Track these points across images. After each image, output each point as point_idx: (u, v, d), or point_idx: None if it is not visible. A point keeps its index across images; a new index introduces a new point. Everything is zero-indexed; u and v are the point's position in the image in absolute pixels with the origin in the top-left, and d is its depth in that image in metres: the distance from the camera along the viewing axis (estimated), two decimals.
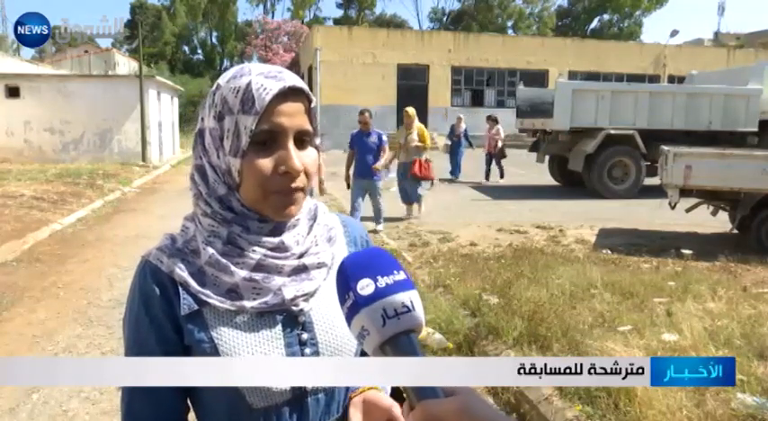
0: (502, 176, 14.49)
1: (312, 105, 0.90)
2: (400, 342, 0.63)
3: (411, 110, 8.81)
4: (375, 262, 0.67)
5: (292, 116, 0.85)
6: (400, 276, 0.65)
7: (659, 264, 6.22)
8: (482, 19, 50.68)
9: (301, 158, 0.86)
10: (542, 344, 3.63)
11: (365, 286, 0.64)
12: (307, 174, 0.88)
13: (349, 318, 0.65)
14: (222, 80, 0.89)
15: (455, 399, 0.59)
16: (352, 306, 0.64)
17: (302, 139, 0.88)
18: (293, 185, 0.86)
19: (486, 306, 4.30)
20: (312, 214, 0.98)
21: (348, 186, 7.93)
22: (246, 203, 0.89)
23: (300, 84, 0.87)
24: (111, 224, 9.37)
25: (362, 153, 7.69)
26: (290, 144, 0.85)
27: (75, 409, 3.24)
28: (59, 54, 37.25)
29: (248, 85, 0.84)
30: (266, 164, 0.85)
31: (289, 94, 0.85)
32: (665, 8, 73.29)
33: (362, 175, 7.70)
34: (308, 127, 0.88)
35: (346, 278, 0.66)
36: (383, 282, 0.64)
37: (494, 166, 14.52)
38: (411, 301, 0.64)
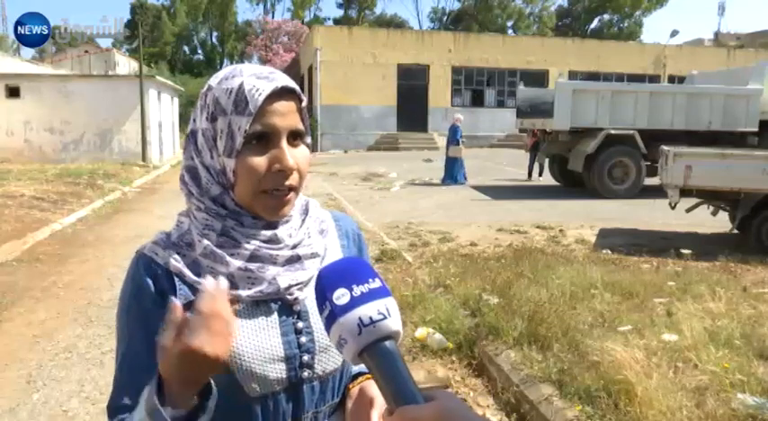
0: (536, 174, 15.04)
1: (303, 105, 0.92)
2: (378, 349, 0.64)
3: None
4: (350, 271, 0.68)
5: (285, 116, 0.87)
6: (375, 284, 0.66)
7: (659, 264, 6.21)
8: (482, 19, 50.70)
9: (294, 157, 0.88)
10: (542, 344, 3.63)
11: (341, 296, 0.65)
12: (299, 173, 0.90)
13: (327, 328, 0.66)
14: (214, 81, 0.91)
15: (434, 404, 0.58)
16: (329, 316, 0.65)
17: (295, 138, 0.90)
18: (287, 183, 0.88)
19: (486, 306, 4.30)
20: (304, 209, 1.00)
21: None
22: (240, 203, 0.91)
23: (292, 84, 0.89)
24: (112, 224, 9.36)
25: None
26: (284, 143, 0.87)
27: (75, 409, 3.23)
28: (59, 54, 37.25)
29: (241, 85, 0.86)
30: (260, 162, 0.86)
31: (281, 93, 0.87)
32: (665, 8, 73.44)
33: None
34: (300, 126, 0.90)
35: (323, 288, 0.67)
36: (358, 290, 0.65)
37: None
38: (387, 309, 0.65)
